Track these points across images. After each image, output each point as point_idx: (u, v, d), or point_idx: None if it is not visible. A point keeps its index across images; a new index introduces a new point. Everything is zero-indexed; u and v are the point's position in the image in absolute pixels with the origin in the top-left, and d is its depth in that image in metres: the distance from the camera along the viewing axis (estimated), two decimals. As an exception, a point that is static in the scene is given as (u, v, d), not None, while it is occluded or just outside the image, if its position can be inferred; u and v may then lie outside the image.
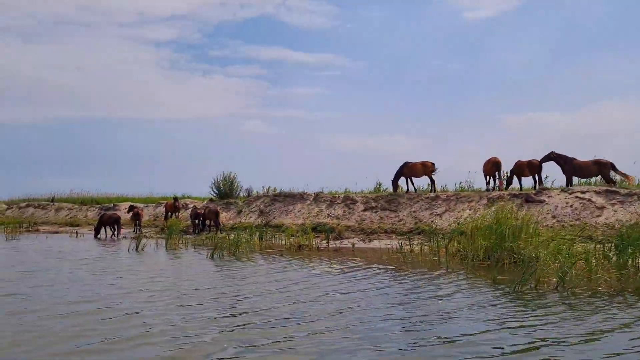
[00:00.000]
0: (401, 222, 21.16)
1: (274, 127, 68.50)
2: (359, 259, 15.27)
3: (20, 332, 7.02)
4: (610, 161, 18.99)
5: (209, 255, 16.45)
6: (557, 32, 56.65)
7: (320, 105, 68.36)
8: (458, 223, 19.27)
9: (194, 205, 28.55)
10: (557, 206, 17.77)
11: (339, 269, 13.06)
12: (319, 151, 63.20)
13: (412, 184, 23.58)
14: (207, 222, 26.19)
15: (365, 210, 23.02)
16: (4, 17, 68.34)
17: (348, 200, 24.18)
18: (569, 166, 19.70)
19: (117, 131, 72.61)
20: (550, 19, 56.37)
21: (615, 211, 16.47)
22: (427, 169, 22.93)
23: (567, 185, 19.76)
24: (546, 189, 19.30)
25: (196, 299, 9.22)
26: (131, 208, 29.83)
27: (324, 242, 19.98)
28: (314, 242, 19.07)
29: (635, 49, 52.27)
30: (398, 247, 17.25)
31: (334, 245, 19.23)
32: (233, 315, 7.91)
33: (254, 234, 20.26)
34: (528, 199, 18.62)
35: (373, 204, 23.08)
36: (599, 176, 19.42)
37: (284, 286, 10.46)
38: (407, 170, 23.38)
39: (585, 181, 20.93)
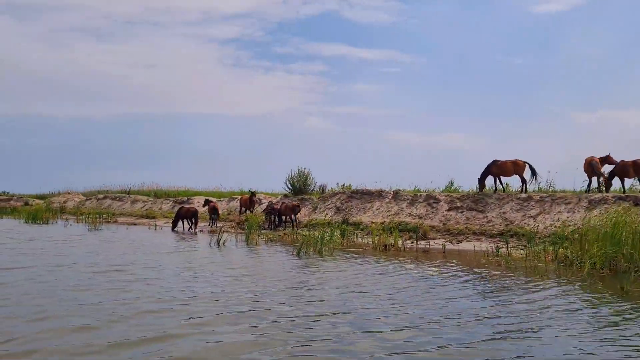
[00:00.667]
0: (490, 224, 19.99)
1: (336, 123, 67.91)
2: (454, 261, 14.36)
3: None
4: None
5: (295, 253, 16.01)
6: (633, 25, 52.67)
7: (382, 101, 67.15)
8: (557, 226, 17.96)
9: (270, 201, 28.38)
10: (673, 211, 16.14)
11: (442, 272, 12.23)
12: (381, 148, 62.10)
13: (501, 183, 22.33)
14: (283, 217, 25.92)
15: (449, 210, 21.98)
16: (80, 18, 71.45)
17: (430, 199, 23.19)
18: None
19: (184, 127, 74.56)
20: (627, 11, 52.59)
21: None
22: (518, 167, 21.60)
23: (679, 188, 18.02)
24: (658, 191, 17.64)
25: (322, 307, 8.43)
26: (207, 202, 30.04)
27: (408, 242, 19.16)
28: (399, 242, 18.29)
29: None
30: (493, 250, 16.22)
31: (422, 246, 18.36)
32: (369, 330, 7.26)
33: (335, 231, 19.67)
34: (637, 202, 17.03)
35: (458, 204, 22.00)
36: None
37: (405, 297, 9.75)
38: (496, 168, 22.13)
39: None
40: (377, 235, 18.81)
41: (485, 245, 17.87)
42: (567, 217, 18.37)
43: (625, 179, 19.96)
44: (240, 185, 41.55)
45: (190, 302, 8.53)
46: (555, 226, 18.15)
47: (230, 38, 72.44)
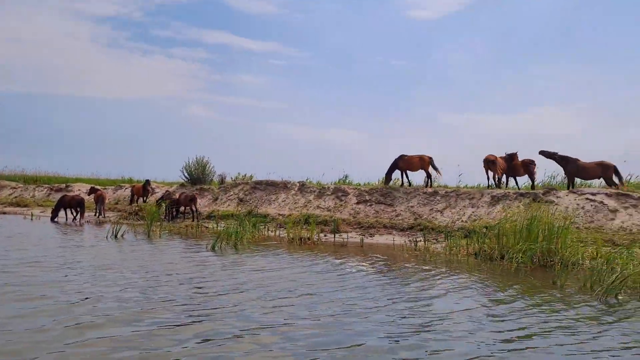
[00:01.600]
0: (399, 217, 20.31)
1: (220, 113, 65.45)
2: (379, 255, 14.24)
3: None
4: (614, 164, 18.91)
5: (209, 248, 14.93)
6: (497, 37, 57.59)
7: (267, 94, 65.96)
8: (463, 220, 18.68)
9: (167, 190, 26.55)
10: (567, 207, 17.43)
11: (378, 268, 11.98)
12: (267, 140, 60.90)
13: (407, 177, 22.83)
14: (182, 208, 24.37)
15: (358, 203, 22.02)
16: None
17: (339, 191, 23.08)
18: (572, 167, 19.45)
19: (51, 108, 67.77)
20: (493, 24, 57.46)
21: (631, 215, 16.30)
22: (424, 162, 22.18)
23: (568, 187, 19.54)
24: (553, 189, 18.96)
25: (288, 312, 7.79)
26: (93, 190, 27.38)
27: (322, 235, 18.85)
28: (315, 235, 17.90)
29: (568, 58, 54.17)
30: (410, 243, 16.45)
31: (339, 240, 18.09)
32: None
33: (247, 224, 18.78)
34: (536, 199, 18.20)
35: (367, 197, 22.11)
36: (601, 178, 19.28)
37: (353, 297, 9.26)
38: (403, 163, 22.55)
39: (585, 183, 20.85)
40: (292, 229, 18.21)
41: (398, 238, 18.10)
42: (472, 212, 19.18)
43: (517, 177, 21.43)
44: (122, 173, 38.80)
45: (147, 315, 7.34)
46: (462, 220, 18.88)
47: (106, 16, 66.85)
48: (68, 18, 65.49)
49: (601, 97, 49.60)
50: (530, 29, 55.33)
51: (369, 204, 21.77)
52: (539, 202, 18.15)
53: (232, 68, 66.73)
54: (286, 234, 18.18)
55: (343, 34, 65.13)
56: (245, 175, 28.31)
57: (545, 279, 10.81)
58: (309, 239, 17.63)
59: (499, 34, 56.92)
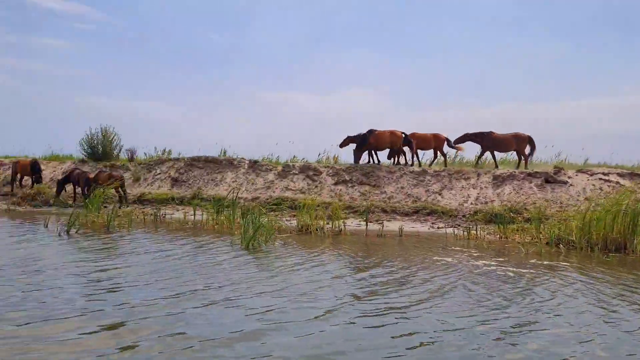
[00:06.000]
0: (394, 200, 17.88)
1: (14, 79, 53.98)
2: (472, 250, 11.79)
3: None
4: (529, 135, 19.03)
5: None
6: (313, 20, 58.24)
7: (72, 61, 56.11)
8: (473, 203, 17.05)
9: (76, 168, 20.23)
10: (584, 188, 16.84)
11: (507, 264, 9.57)
12: (75, 113, 51.94)
13: (376, 155, 20.55)
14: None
15: (336, 184, 19.02)
16: None
17: (309, 170, 19.78)
18: (488, 141, 19.32)
19: None
20: (305, 7, 58.22)
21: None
22: (395, 138, 20.08)
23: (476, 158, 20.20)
24: (562, 169, 18.21)
25: None
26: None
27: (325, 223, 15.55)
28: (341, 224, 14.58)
29: (376, 44, 57.58)
30: (455, 231, 14.27)
31: (376, 229, 14.93)
32: None
33: (254, 212, 14.61)
34: (548, 180, 17.30)
35: (346, 177, 19.21)
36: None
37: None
38: (374, 139, 20.19)
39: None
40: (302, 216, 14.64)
41: (415, 225, 15.84)
42: (478, 193, 17.64)
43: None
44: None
45: None
46: (472, 202, 17.24)
47: None
48: None
49: (401, 83, 55.12)
50: (345, 16, 57.46)
51: (350, 185, 18.94)
52: (551, 182, 17.35)
53: (31, 29, 55.10)
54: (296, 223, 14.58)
55: (158, 2, 58.21)
56: (165, 150, 23.21)
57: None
58: (309, 228, 14.28)
59: (316, 15, 57.55)
